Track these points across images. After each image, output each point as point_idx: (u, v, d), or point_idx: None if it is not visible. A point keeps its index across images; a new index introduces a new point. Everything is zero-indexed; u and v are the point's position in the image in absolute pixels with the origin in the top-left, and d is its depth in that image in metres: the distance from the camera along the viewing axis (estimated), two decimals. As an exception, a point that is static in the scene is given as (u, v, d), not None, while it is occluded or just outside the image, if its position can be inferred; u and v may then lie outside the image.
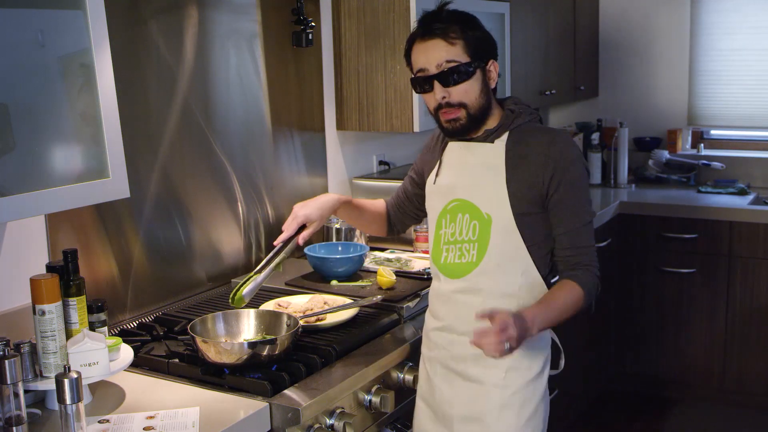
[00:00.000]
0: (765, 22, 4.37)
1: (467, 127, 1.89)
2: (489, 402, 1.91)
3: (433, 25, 1.84)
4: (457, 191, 1.94)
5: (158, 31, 2.33)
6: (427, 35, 1.85)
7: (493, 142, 1.91)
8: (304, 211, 2.05)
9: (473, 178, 1.91)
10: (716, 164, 4.44)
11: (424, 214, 2.19)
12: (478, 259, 1.90)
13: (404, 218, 2.27)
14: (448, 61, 1.82)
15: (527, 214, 1.88)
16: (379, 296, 2.31)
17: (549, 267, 1.94)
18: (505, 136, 1.90)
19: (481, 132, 1.92)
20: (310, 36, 2.79)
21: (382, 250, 2.91)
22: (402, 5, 2.85)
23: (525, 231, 1.88)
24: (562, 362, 2.08)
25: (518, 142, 1.89)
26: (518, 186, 1.86)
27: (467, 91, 1.84)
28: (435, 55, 1.83)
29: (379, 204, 2.27)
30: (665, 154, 4.57)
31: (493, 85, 1.90)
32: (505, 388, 1.91)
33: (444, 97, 1.85)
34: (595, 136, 4.50)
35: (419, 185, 2.16)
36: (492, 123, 1.92)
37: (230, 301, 1.97)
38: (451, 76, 1.83)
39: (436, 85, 1.84)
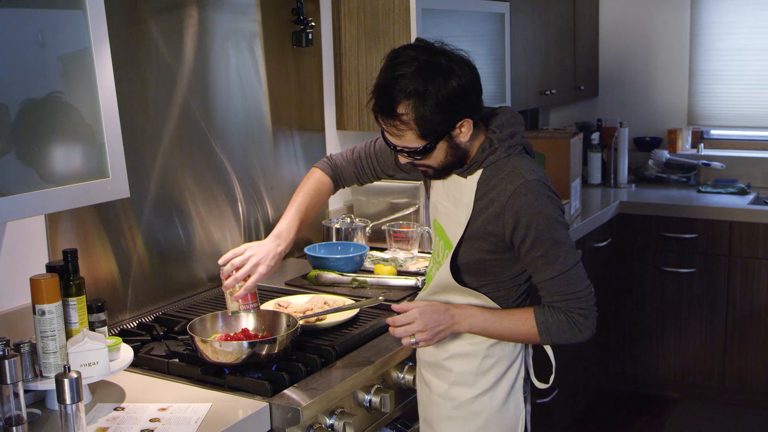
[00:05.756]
0: (765, 22, 4.37)
1: (441, 175, 1.86)
2: (437, 410, 1.94)
3: (378, 116, 1.74)
4: (438, 213, 1.93)
5: (158, 31, 2.33)
6: (378, 121, 1.77)
7: (466, 177, 1.83)
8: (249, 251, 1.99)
9: (447, 207, 1.88)
10: (716, 164, 4.44)
11: (373, 181, 2.17)
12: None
13: (353, 181, 2.18)
14: (401, 148, 1.77)
15: (482, 260, 1.83)
16: (379, 296, 2.31)
17: (520, 298, 1.90)
18: (478, 173, 1.81)
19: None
20: (310, 36, 2.79)
21: (382, 249, 2.91)
22: (402, 5, 2.85)
23: (481, 271, 1.85)
24: (552, 377, 2.00)
25: (490, 181, 1.80)
26: (479, 229, 1.80)
27: (429, 160, 1.79)
28: (388, 138, 1.78)
29: (321, 185, 2.14)
30: (665, 154, 4.57)
31: (466, 140, 1.77)
32: (450, 400, 1.91)
33: (409, 162, 1.83)
34: (595, 136, 4.50)
35: (391, 168, 2.12)
36: (471, 154, 1.82)
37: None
38: (408, 157, 1.79)
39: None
